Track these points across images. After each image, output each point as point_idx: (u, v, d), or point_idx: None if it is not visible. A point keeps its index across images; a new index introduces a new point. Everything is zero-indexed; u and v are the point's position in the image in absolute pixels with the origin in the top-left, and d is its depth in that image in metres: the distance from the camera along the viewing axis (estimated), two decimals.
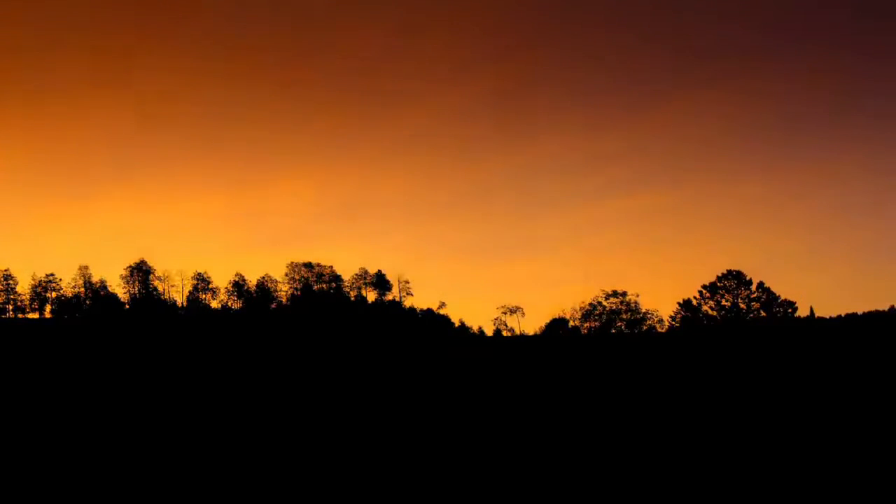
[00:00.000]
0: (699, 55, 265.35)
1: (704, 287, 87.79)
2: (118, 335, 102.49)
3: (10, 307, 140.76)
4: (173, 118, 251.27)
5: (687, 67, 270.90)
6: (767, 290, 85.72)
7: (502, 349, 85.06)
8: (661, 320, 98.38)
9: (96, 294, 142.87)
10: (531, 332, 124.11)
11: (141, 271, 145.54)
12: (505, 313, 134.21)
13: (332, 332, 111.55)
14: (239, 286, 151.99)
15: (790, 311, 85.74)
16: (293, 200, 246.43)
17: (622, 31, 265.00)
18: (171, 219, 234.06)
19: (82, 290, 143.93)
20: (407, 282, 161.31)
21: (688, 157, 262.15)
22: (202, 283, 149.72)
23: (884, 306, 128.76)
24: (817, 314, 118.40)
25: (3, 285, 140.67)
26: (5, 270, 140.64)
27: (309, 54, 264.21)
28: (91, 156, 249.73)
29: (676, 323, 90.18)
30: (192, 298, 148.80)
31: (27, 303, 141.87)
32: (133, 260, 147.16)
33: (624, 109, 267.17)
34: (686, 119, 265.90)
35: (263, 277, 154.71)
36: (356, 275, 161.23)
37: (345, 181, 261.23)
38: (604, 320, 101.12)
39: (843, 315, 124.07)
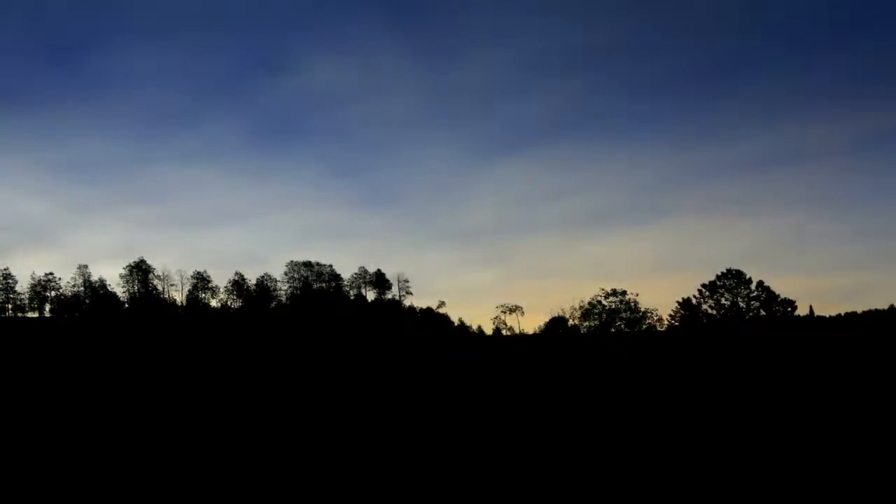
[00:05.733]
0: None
1: (704, 286, 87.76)
2: (117, 334, 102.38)
3: (10, 306, 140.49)
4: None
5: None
6: (767, 289, 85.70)
7: (502, 348, 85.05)
8: (660, 319, 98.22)
9: (95, 293, 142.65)
10: (531, 332, 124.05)
11: (140, 270, 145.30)
12: (504, 312, 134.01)
13: (332, 331, 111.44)
14: (238, 285, 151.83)
15: (789, 309, 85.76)
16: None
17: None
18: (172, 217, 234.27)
19: (82, 288, 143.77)
20: (406, 281, 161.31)
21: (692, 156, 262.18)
22: (202, 281, 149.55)
23: (883, 305, 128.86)
24: (817, 313, 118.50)
25: (2, 284, 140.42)
26: (5, 269, 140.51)
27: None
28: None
29: (676, 322, 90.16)
30: (192, 297, 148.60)
31: (27, 302, 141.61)
32: (132, 259, 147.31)
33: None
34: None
35: (263, 276, 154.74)
36: (355, 274, 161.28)
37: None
38: (603, 319, 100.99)
39: (842, 314, 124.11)
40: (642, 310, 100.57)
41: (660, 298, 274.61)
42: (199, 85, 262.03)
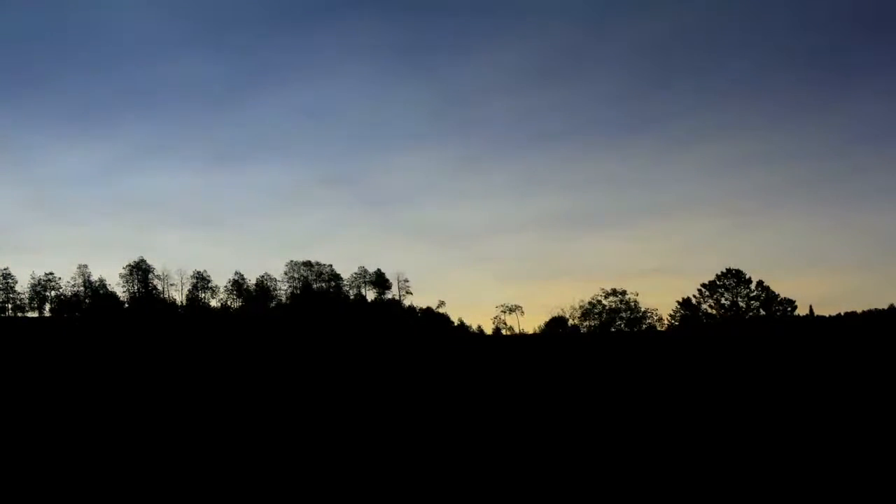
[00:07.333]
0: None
1: (704, 285, 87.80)
2: (117, 333, 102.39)
3: (10, 306, 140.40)
4: None
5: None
6: (767, 289, 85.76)
7: (501, 347, 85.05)
8: (660, 319, 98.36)
9: (95, 293, 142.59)
10: (531, 331, 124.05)
11: (140, 270, 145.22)
12: (504, 312, 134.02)
13: (332, 331, 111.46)
14: (238, 285, 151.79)
15: (789, 309, 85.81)
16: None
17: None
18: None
19: (82, 288, 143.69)
20: (406, 280, 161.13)
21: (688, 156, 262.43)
22: (201, 281, 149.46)
23: (883, 305, 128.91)
24: (816, 313, 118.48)
25: (2, 284, 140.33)
26: (4, 269, 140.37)
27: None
28: None
29: (676, 321, 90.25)
30: (192, 297, 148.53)
31: (26, 301, 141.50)
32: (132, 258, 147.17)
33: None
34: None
35: (263, 276, 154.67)
36: (355, 273, 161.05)
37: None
38: (603, 319, 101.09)
39: (842, 314, 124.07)
40: (642, 310, 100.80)
41: (660, 298, 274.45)
42: (197, 90, 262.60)
